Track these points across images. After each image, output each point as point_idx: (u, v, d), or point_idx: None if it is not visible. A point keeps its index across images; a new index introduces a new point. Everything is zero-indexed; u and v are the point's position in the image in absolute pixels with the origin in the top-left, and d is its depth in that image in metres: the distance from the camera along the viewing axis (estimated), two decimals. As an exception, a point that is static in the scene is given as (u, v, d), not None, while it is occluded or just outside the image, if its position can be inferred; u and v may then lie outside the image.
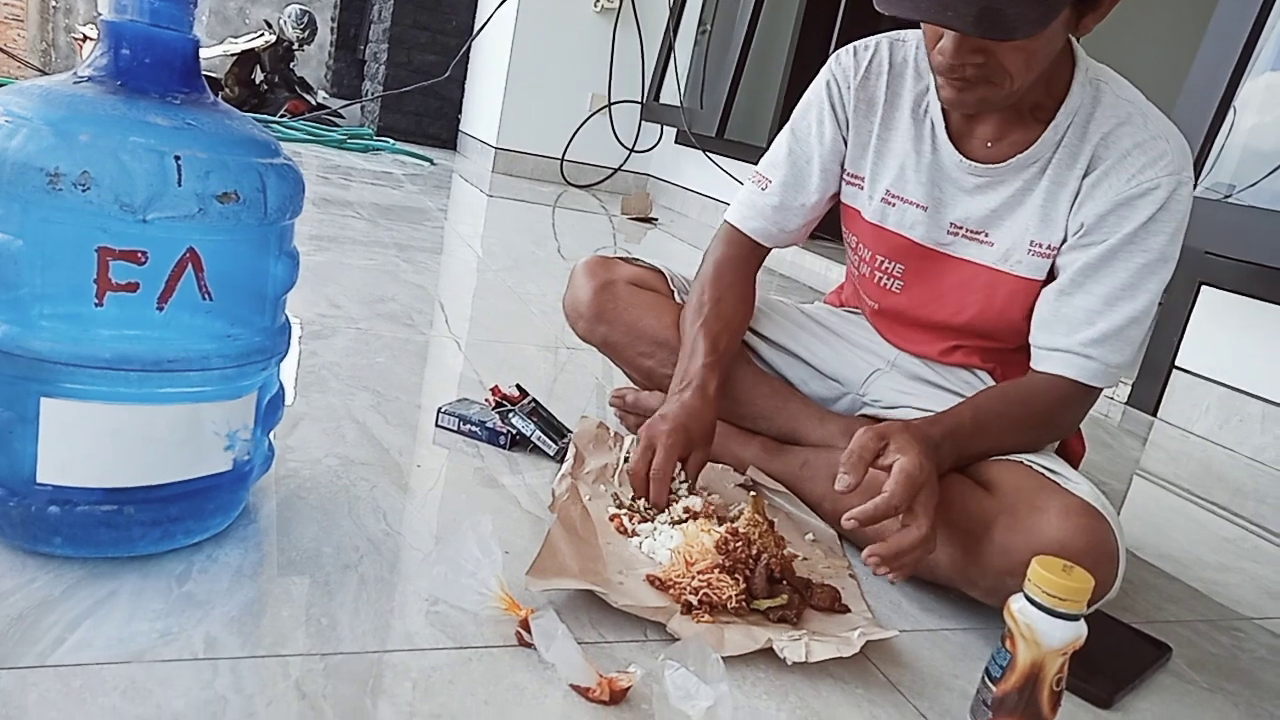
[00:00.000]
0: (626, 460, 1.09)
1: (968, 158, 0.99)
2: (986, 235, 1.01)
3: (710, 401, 1.02)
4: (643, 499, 0.96)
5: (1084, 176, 0.94)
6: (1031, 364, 0.98)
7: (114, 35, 0.69)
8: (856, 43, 1.08)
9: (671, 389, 1.04)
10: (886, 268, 1.09)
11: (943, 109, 1.00)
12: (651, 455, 0.95)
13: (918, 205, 1.03)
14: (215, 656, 0.65)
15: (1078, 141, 0.95)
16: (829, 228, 1.16)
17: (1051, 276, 0.98)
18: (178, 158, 0.66)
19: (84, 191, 0.63)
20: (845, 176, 1.10)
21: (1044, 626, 0.67)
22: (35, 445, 0.68)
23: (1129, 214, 0.92)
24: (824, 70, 1.09)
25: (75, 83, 0.68)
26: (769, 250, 1.16)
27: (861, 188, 1.08)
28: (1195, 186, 1.11)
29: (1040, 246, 0.97)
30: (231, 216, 0.69)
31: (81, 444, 0.69)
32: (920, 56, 1.04)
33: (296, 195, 0.76)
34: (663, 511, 0.95)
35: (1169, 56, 3.10)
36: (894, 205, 1.05)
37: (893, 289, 1.10)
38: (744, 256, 1.15)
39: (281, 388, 0.85)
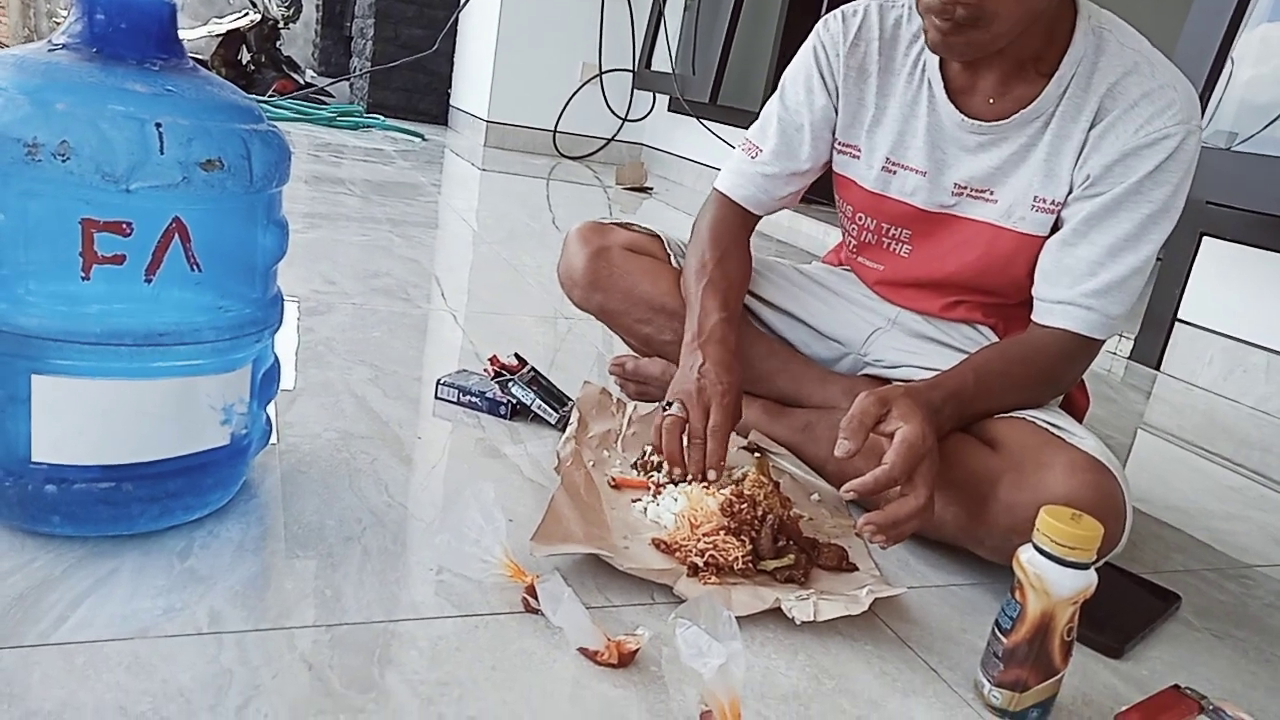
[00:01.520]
0: (631, 427, 1.08)
1: (969, 116, 0.97)
2: (991, 193, 0.99)
3: (736, 356, 1.00)
4: (675, 468, 0.93)
5: (1090, 128, 0.92)
6: (1033, 317, 0.97)
7: (88, 0, 0.67)
8: (844, 7, 1.05)
9: (688, 344, 1.00)
10: (894, 233, 1.08)
11: (941, 70, 0.98)
12: (706, 416, 0.93)
13: (917, 171, 1.02)
14: (220, 630, 0.64)
15: (1082, 93, 0.92)
16: (825, 191, 1.14)
17: (1055, 230, 0.96)
18: (159, 125, 0.64)
19: (64, 161, 0.62)
20: (837, 145, 1.08)
21: (1053, 576, 0.66)
22: (29, 424, 0.67)
23: (1136, 164, 0.90)
24: (811, 36, 1.07)
25: (50, 50, 0.66)
26: (759, 218, 1.14)
27: (857, 157, 1.07)
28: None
29: (1044, 202, 0.96)
30: (216, 184, 0.67)
31: (75, 421, 0.68)
32: (913, 16, 1.01)
33: (282, 162, 0.74)
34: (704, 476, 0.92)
35: (1166, 7, 3.06)
36: (895, 173, 1.04)
37: (901, 253, 1.09)
38: (737, 222, 1.13)
39: (277, 360, 0.84)
